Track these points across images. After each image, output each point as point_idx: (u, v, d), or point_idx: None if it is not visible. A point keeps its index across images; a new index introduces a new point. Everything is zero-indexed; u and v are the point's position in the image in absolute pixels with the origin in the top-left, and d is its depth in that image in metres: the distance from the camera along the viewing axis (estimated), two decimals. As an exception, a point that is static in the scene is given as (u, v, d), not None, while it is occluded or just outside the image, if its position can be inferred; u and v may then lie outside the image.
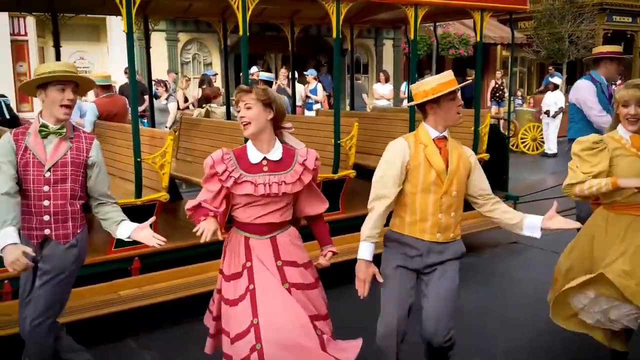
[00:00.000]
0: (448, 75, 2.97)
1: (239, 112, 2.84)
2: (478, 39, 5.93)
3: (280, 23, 7.41)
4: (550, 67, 17.88)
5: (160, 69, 12.75)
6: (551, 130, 13.46)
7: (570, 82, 18.80)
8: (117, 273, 4.30)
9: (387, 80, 13.61)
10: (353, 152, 5.38)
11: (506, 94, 15.09)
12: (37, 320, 3.02)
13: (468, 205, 3.19)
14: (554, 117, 13.28)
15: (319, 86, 11.91)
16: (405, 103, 12.18)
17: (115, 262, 4.30)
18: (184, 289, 4.40)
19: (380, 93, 13.19)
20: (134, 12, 4.13)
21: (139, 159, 4.30)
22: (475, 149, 5.82)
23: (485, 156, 6.08)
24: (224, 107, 7.35)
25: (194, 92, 11.48)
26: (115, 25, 13.37)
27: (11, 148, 2.99)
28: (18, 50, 13.52)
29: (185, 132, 6.48)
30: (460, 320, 3.25)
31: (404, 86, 13.32)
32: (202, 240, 2.71)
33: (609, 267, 3.24)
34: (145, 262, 4.38)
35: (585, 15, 18.49)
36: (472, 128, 5.93)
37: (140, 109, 9.91)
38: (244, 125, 2.81)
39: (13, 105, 11.34)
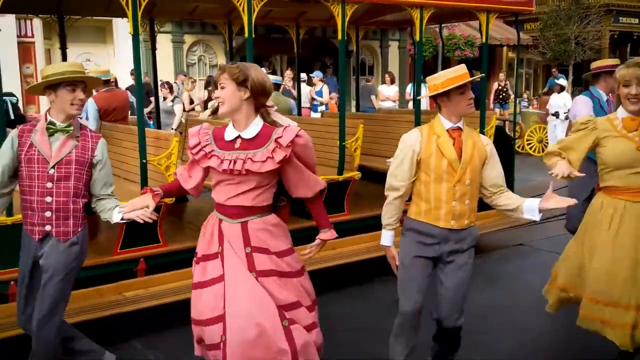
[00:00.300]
0: (459, 69, 3.04)
1: None
2: (484, 40, 5.93)
3: (285, 25, 7.41)
4: (554, 69, 17.78)
5: (166, 71, 12.79)
6: (559, 132, 13.39)
7: (576, 84, 18.77)
8: (123, 274, 4.31)
9: (392, 82, 13.57)
10: (358, 153, 5.36)
11: (511, 96, 15.03)
12: (44, 319, 3.05)
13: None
14: (565, 119, 13.21)
15: (325, 88, 11.92)
16: (410, 105, 12.16)
17: (121, 263, 4.30)
18: (190, 290, 4.38)
19: (385, 95, 13.15)
20: (140, 14, 4.15)
21: (144, 161, 4.32)
22: (480, 150, 5.80)
23: (491, 158, 6.05)
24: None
25: (200, 94, 11.50)
26: (122, 27, 13.43)
27: (10, 142, 3.07)
28: (25, 52, 13.58)
29: (191, 133, 6.47)
30: (464, 321, 3.28)
31: (409, 88, 13.27)
32: (124, 215, 2.92)
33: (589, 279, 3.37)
34: (151, 264, 4.38)
35: (592, 17, 18.45)
36: (478, 130, 5.91)
37: (147, 110, 9.94)
38: (219, 104, 2.82)
39: (20, 105, 11.36)
